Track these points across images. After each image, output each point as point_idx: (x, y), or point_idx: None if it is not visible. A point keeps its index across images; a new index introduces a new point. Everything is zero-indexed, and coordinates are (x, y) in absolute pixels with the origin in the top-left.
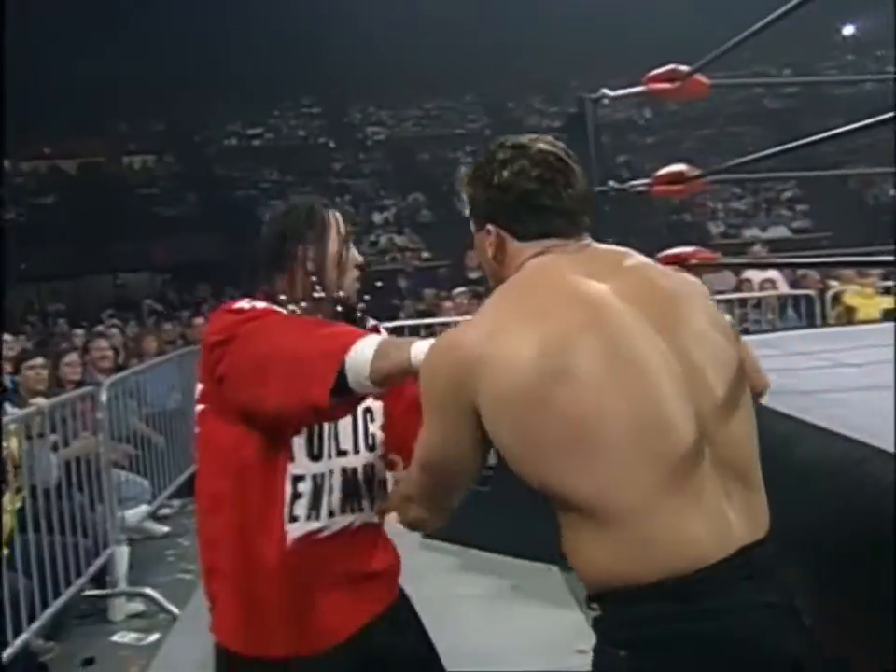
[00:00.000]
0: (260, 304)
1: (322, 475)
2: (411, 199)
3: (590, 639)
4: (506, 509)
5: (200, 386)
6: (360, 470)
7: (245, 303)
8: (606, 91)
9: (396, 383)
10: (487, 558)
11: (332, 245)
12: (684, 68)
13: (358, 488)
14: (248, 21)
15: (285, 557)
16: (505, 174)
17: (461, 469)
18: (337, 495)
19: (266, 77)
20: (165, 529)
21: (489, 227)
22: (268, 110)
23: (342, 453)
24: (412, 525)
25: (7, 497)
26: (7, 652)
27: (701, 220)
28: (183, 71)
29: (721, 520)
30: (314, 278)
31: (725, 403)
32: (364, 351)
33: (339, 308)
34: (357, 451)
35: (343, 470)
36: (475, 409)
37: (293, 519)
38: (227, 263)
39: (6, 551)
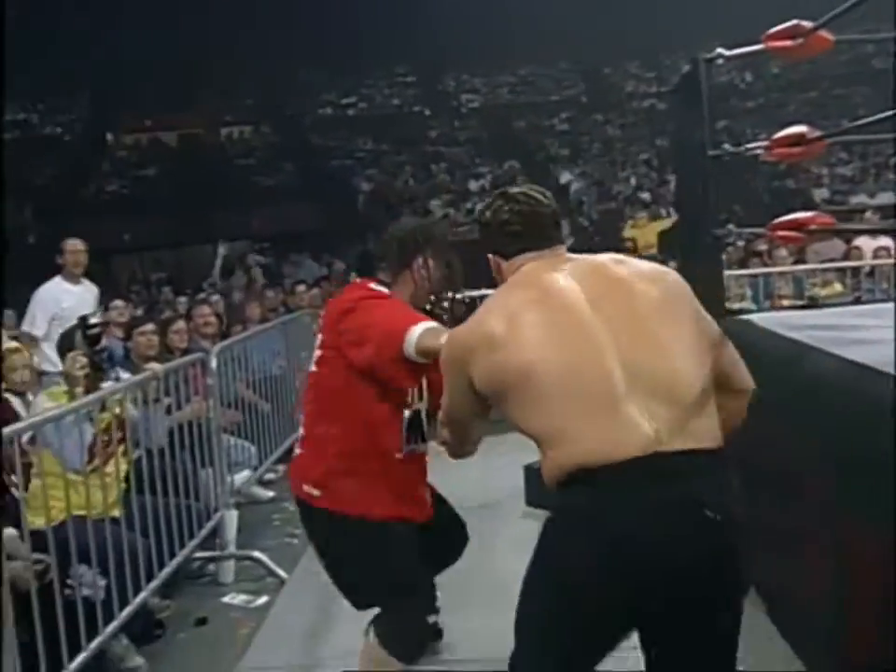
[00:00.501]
0: (381, 289)
1: (417, 412)
2: (506, 167)
3: None
4: None
5: (321, 337)
6: (423, 413)
7: (373, 285)
8: (721, 50)
9: (430, 357)
10: None
11: (435, 270)
12: (807, 24)
13: (421, 425)
14: None
15: (396, 462)
16: (488, 214)
17: (462, 415)
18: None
19: (360, 47)
20: (271, 494)
21: (489, 256)
22: (362, 79)
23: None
24: (445, 446)
25: (119, 461)
26: (127, 610)
27: (805, 186)
28: (277, 42)
29: (635, 432)
30: (419, 284)
31: (655, 356)
32: (415, 332)
33: (427, 307)
34: (421, 400)
35: (417, 412)
36: (470, 378)
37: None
38: (324, 231)
39: (117, 512)
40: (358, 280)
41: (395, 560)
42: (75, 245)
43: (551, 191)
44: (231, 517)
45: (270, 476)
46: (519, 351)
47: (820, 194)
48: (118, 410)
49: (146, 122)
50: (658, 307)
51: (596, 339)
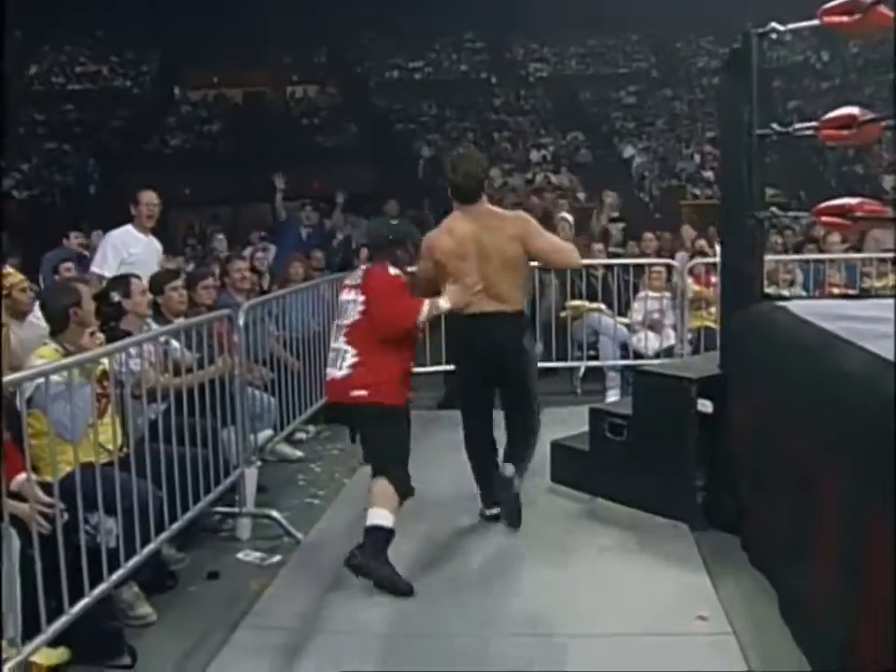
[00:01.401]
0: (396, 273)
1: None
2: (570, 137)
3: (713, 606)
4: (637, 461)
5: (363, 297)
6: None
7: (392, 271)
8: (775, 24)
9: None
10: (614, 509)
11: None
12: None
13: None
14: None
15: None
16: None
17: (427, 276)
18: None
19: (429, 11)
20: (299, 454)
21: None
22: (430, 44)
23: None
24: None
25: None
26: (135, 560)
27: (875, 172)
28: (347, 3)
29: (484, 302)
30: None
31: (496, 269)
32: (423, 312)
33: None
34: None
35: None
36: (428, 259)
37: None
38: (383, 194)
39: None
40: (376, 265)
41: (408, 432)
42: (150, 198)
43: (612, 165)
44: (251, 475)
45: (301, 436)
46: (440, 252)
47: (891, 182)
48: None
49: (213, 79)
50: (505, 240)
51: (470, 251)
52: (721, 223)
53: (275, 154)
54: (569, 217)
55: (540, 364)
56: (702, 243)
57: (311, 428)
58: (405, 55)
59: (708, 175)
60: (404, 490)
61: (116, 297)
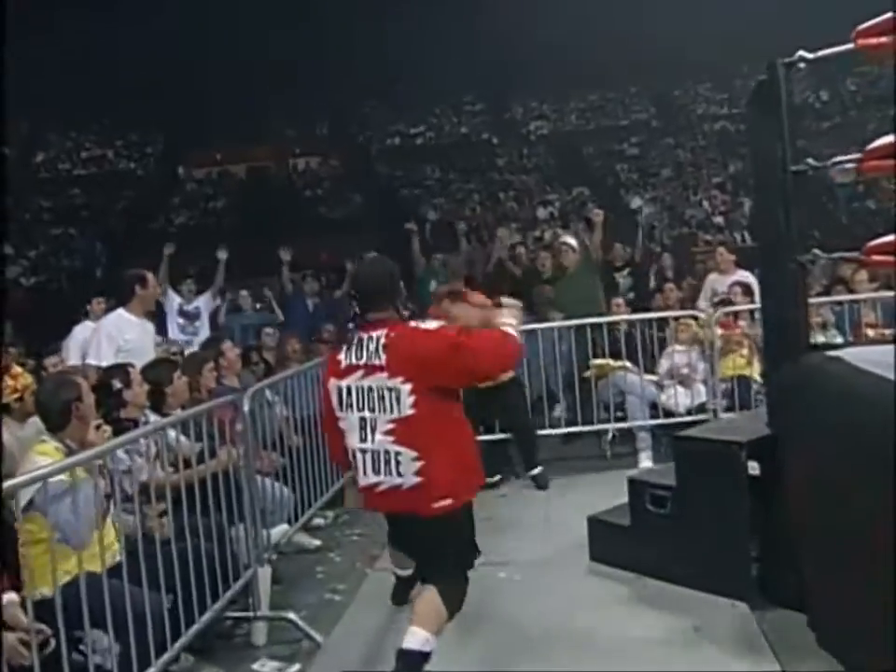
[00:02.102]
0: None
1: None
2: (575, 193)
3: None
4: (684, 535)
5: (402, 380)
6: None
7: (420, 324)
8: (802, 52)
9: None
10: (665, 590)
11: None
12: None
13: None
14: (407, 22)
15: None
16: None
17: None
18: None
19: (426, 77)
20: (317, 543)
21: None
22: (430, 109)
23: None
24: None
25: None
26: None
27: (886, 207)
28: (344, 73)
29: None
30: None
31: None
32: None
33: None
34: None
35: None
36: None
37: None
38: (392, 260)
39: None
40: (391, 324)
41: (472, 533)
42: (155, 282)
43: (619, 217)
44: (265, 575)
45: (318, 522)
46: None
47: None
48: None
49: (216, 156)
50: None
51: None
52: (759, 269)
53: (281, 227)
54: (571, 241)
55: (566, 429)
56: (737, 290)
57: (329, 514)
58: (405, 121)
59: (719, 220)
60: (457, 607)
61: (118, 384)
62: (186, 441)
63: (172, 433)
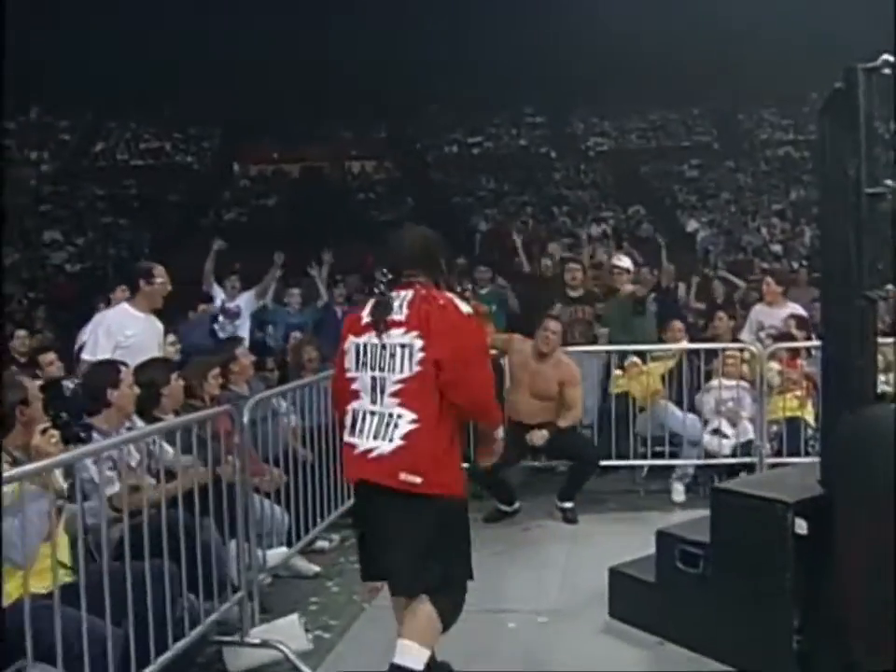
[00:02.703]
0: (466, 308)
1: None
2: (630, 211)
3: None
4: (720, 600)
5: (420, 341)
6: None
7: (461, 305)
8: (887, 56)
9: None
10: (689, 659)
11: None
12: None
13: None
14: (473, 30)
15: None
16: None
17: None
18: None
19: (489, 86)
20: (316, 569)
21: None
22: (490, 118)
23: None
24: None
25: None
26: None
27: None
28: (410, 80)
29: None
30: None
31: None
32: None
33: None
34: None
35: None
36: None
37: None
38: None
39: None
40: (426, 290)
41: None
42: (164, 274)
43: (676, 239)
44: (253, 602)
45: (322, 545)
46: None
47: None
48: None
49: (273, 154)
50: None
51: None
52: (822, 304)
53: (331, 228)
54: (626, 264)
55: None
56: (792, 323)
57: (334, 537)
58: (464, 130)
59: (777, 248)
60: (453, 619)
61: (69, 385)
62: (171, 451)
63: (167, 447)
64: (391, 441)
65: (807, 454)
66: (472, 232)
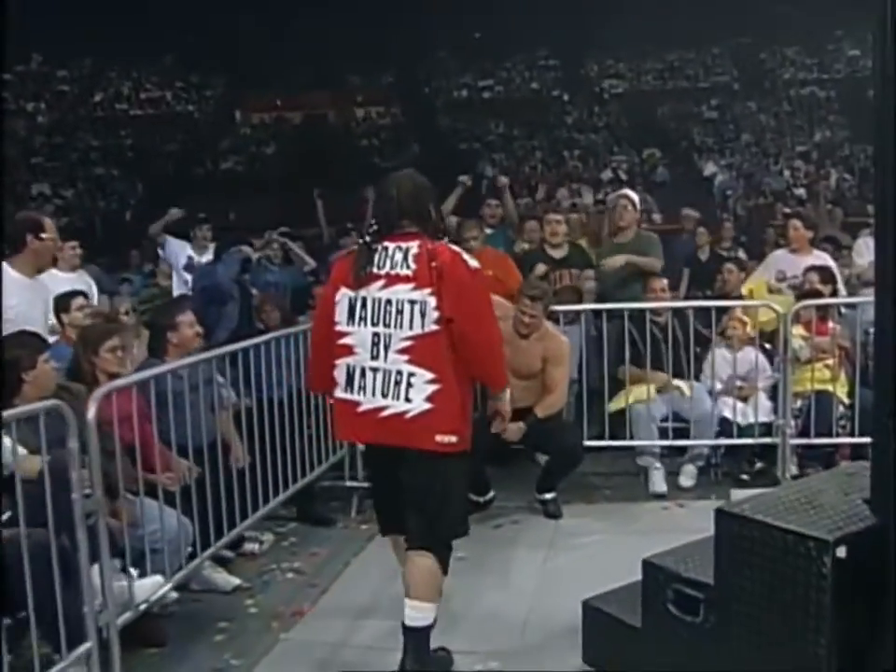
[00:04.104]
0: (474, 263)
1: None
2: (645, 155)
3: None
4: (727, 657)
5: (434, 298)
6: None
7: (469, 259)
8: None
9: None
10: None
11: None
12: None
13: None
14: None
15: None
16: None
17: None
18: None
19: (500, 29)
20: (235, 582)
21: None
22: (501, 63)
23: None
24: None
25: None
26: None
27: None
28: (420, 24)
29: None
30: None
31: None
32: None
33: None
34: None
35: None
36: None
37: None
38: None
39: None
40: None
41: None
42: (53, 227)
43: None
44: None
45: (251, 547)
46: None
47: None
48: None
49: (276, 102)
50: None
51: None
52: (876, 251)
53: (330, 176)
54: (633, 195)
55: (589, 442)
56: (814, 277)
57: (266, 537)
58: (475, 74)
59: (800, 191)
60: (448, 565)
61: None
62: (8, 447)
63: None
64: (409, 400)
65: (838, 434)
66: (479, 178)
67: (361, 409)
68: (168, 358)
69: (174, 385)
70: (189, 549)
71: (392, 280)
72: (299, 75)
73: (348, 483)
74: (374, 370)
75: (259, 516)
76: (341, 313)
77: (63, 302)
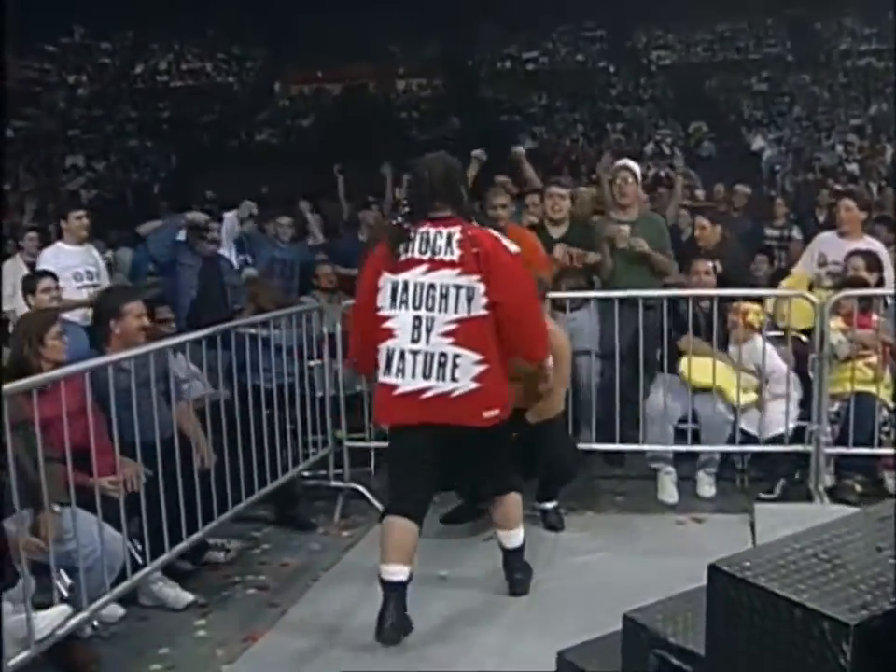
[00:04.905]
0: (515, 248)
1: None
2: (692, 129)
3: None
4: None
5: (483, 285)
6: None
7: (510, 246)
8: None
9: None
10: None
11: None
12: None
13: None
14: None
15: None
16: None
17: None
18: None
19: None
20: (188, 599)
21: None
22: (546, 34)
23: None
24: None
25: None
26: None
27: None
28: None
29: None
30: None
31: None
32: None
33: None
34: None
35: None
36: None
37: None
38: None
39: None
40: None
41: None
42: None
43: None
44: None
45: (216, 556)
46: None
47: None
48: None
49: (317, 73)
50: None
51: None
52: None
53: (367, 148)
54: (635, 166)
55: (597, 445)
56: (858, 263)
57: (234, 544)
58: (519, 45)
59: (853, 167)
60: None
61: None
62: None
63: None
64: (455, 380)
65: (881, 442)
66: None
67: (399, 391)
68: (110, 350)
69: (116, 380)
70: (126, 563)
71: (436, 265)
72: (341, 47)
73: (333, 483)
74: (414, 352)
75: (223, 519)
76: (384, 297)
77: (30, 284)
